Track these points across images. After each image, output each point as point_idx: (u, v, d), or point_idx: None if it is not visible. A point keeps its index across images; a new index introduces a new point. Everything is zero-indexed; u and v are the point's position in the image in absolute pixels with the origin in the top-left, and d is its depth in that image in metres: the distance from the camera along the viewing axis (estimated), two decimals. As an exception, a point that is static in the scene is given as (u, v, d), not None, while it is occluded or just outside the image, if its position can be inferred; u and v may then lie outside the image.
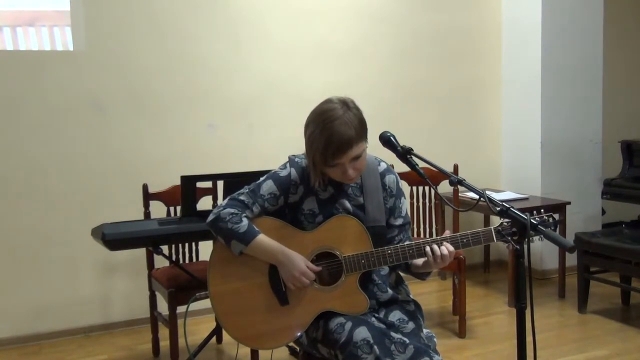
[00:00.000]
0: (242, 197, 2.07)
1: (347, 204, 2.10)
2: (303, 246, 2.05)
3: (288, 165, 2.12)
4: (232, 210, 2.04)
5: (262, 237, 2.03)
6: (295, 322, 2.04)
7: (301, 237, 2.07)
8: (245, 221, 2.03)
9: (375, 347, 1.87)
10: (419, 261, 2.08)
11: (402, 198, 2.20)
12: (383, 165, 2.18)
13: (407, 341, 1.92)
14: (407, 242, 2.10)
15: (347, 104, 1.98)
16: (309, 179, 2.09)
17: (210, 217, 2.07)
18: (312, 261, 2.05)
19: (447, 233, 2.04)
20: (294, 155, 2.15)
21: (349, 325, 1.95)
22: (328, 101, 2.00)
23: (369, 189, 2.11)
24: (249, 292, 2.06)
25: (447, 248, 1.97)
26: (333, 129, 1.91)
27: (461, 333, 3.60)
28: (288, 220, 2.11)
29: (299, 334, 2.06)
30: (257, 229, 2.04)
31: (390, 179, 2.16)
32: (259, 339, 2.07)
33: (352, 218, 2.06)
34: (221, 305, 2.08)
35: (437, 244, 1.98)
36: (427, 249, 1.98)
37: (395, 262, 2.02)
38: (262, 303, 2.05)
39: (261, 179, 2.12)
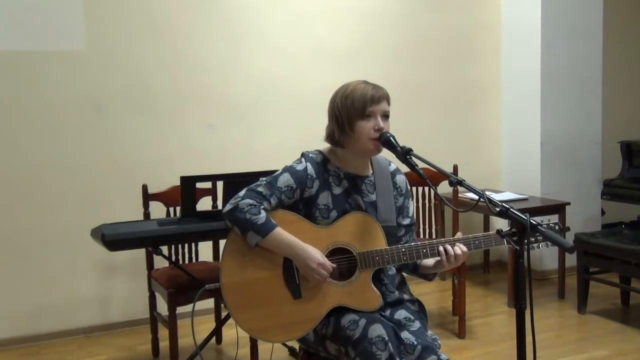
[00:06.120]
0: (260, 189, 2.07)
1: (360, 200, 2.12)
2: (318, 241, 2.06)
3: (303, 160, 2.13)
4: (250, 201, 2.03)
5: (279, 230, 2.03)
6: (308, 316, 2.05)
7: (316, 232, 2.07)
8: (263, 213, 2.03)
9: (390, 344, 1.89)
10: (430, 261, 2.14)
11: (410, 199, 2.26)
12: (393, 166, 2.25)
13: (415, 342, 1.95)
14: (413, 243, 2.12)
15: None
16: (324, 174, 2.11)
17: (228, 207, 2.06)
18: (326, 257, 2.05)
19: (459, 234, 2.09)
20: (307, 152, 2.17)
21: (362, 322, 1.96)
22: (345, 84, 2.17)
23: (381, 188, 2.16)
24: (262, 285, 2.06)
25: (460, 248, 2.04)
26: (365, 86, 2.08)
27: (461, 333, 3.60)
28: (302, 215, 2.11)
29: (310, 328, 2.06)
30: (274, 221, 2.04)
31: (400, 178, 2.24)
32: (269, 331, 2.07)
33: (367, 215, 2.09)
34: (232, 296, 2.06)
35: (450, 245, 2.04)
36: (441, 248, 2.05)
37: (409, 260, 2.06)
38: (274, 296, 2.05)
39: (277, 172, 2.12)
